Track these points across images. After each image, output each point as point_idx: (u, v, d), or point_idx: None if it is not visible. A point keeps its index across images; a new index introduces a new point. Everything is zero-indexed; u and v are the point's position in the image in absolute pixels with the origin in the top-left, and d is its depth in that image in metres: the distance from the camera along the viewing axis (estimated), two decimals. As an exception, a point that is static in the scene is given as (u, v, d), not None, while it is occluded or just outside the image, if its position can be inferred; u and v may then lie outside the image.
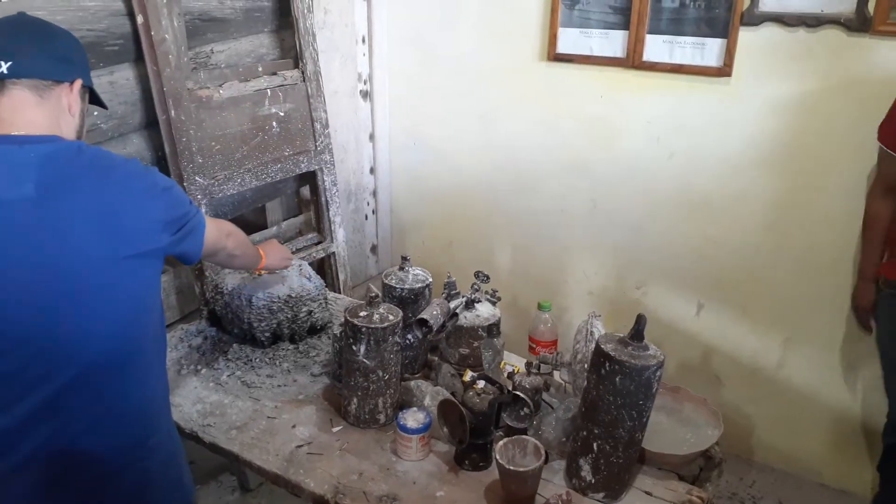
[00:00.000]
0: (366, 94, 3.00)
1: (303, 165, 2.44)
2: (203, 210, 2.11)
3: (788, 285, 2.39)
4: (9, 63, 1.13)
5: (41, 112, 1.16)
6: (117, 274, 1.15)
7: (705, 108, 2.37)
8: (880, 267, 2.08)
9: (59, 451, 1.15)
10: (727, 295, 2.53)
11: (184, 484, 1.37)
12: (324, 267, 2.69)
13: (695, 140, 2.42)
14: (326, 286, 2.04)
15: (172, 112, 2.02)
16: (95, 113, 1.92)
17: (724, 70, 2.27)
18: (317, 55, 2.44)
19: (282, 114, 2.35)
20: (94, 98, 1.34)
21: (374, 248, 3.29)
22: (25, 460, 1.12)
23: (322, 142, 2.49)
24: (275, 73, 2.33)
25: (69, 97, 1.21)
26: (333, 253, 2.65)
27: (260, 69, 2.30)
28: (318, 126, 2.47)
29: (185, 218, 1.26)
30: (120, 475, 1.22)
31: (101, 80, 1.92)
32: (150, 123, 2.09)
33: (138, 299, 1.20)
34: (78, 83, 1.23)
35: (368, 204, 3.20)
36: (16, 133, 1.13)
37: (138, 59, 2.01)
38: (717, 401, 1.58)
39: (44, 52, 1.18)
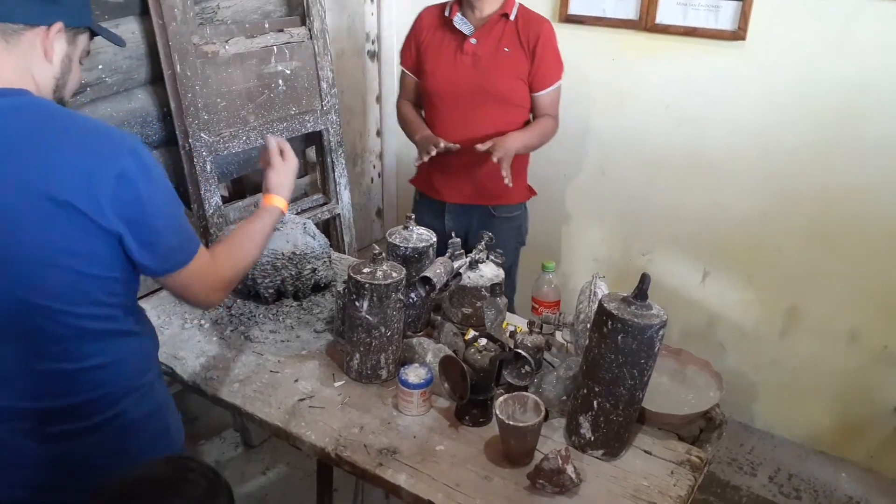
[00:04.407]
0: (373, 55, 2.97)
1: (308, 125, 2.43)
2: (209, 167, 2.10)
3: (794, 254, 2.38)
4: None
5: (8, 61, 1.08)
6: (53, 216, 1.05)
7: (717, 73, 2.34)
8: None
9: None
10: (733, 262, 2.52)
11: (170, 435, 1.34)
12: (329, 229, 2.68)
13: (705, 106, 2.39)
14: (332, 248, 2.04)
15: (178, 67, 2.00)
16: (100, 66, 1.91)
17: (738, 34, 2.23)
18: (324, 13, 2.41)
19: (288, 72, 2.32)
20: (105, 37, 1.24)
21: (379, 212, 3.28)
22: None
23: (328, 102, 2.47)
24: (281, 31, 2.30)
25: (45, 42, 1.10)
26: (339, 215, 2.64)
27: (266, 26, 2.27)
28: (324, 85, 2.44)
29: (146, 228, 1.12)
30: (101, 424, 1.20)
31: (106, 33, 1.89)
32: (156, 79, 2.07)
33: (79, 258, 1.10)
34: (57, 26, 1.11)
35: (374, 167, 3.18)
36: None
37: (144, 13, 1.99)
38: (720, 368, 1.58)
39: None
